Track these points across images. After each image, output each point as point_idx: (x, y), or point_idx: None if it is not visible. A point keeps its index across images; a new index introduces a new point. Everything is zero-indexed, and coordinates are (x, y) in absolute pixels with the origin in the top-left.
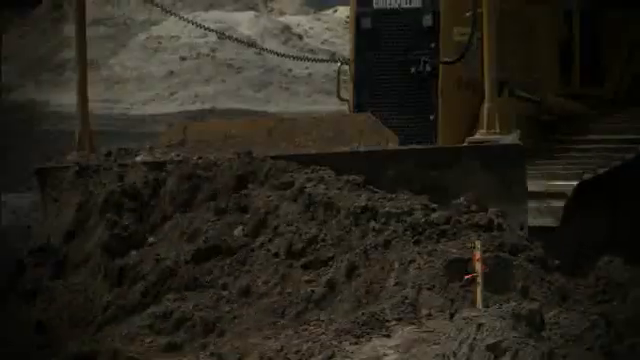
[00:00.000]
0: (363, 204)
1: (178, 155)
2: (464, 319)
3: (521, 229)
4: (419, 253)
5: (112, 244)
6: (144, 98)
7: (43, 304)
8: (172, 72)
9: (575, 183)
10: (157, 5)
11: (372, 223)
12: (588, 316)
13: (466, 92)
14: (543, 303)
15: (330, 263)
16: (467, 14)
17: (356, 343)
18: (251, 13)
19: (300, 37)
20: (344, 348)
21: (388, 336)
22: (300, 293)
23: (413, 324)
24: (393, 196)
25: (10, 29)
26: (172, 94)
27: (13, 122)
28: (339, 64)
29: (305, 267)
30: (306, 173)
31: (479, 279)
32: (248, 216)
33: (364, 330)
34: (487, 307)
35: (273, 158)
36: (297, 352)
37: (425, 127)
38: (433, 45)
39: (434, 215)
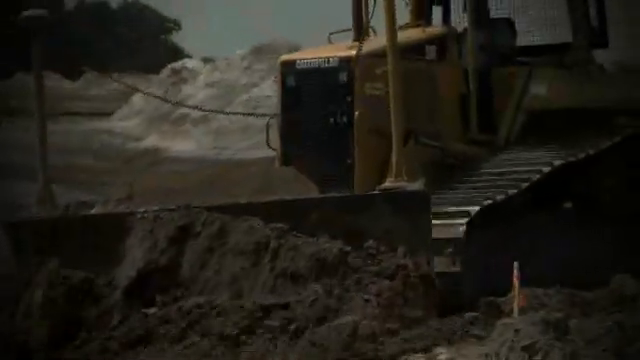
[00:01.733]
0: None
1: (127, 207)
2: (504, 325)
3: (427, 265)
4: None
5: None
6: (246, 145)
7: None
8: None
9: (477, 208)
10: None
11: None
12: (605, 323)
13: (378, 139)
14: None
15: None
16: (378, 71)
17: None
18: None
19: None
20: None
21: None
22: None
23: None
24: (315, 240)
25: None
26: None
27: (143, 165)
28: (268, 118)
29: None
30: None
31: (516, 293)
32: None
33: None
34: (522, 315)
35: (208, 209)
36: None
37: (343, 170)
38: (349, 99)
39: (349, 257)
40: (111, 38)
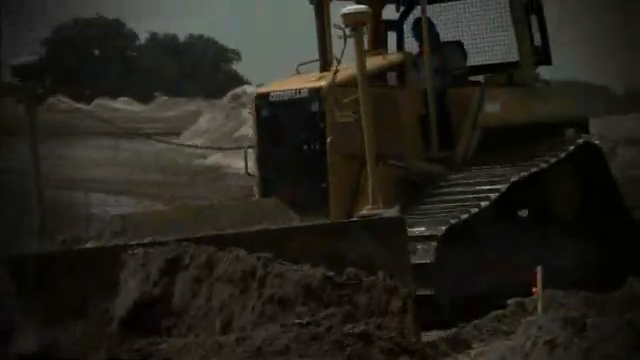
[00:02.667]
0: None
1: (120, 241)
2: (528, 322)
3: (407, 287)
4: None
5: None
6: None
7: None
8: None
9: (443, 228)
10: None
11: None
12: (618, 322)
13: (350, 164)
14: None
15: None
16: (345, 100)
17: None
18: None
19: None
20: None
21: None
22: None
23: None
24: (300, 267)
25: (204, 114)
26: None
27: (206, 180)
28: (246, 148)
29: None
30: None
31: (539, 293)
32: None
33: None
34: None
35: (196, 240)
36: None
37: (319, 193)
38: (321, 126)
39: (334, 281)
40: (179, 67)
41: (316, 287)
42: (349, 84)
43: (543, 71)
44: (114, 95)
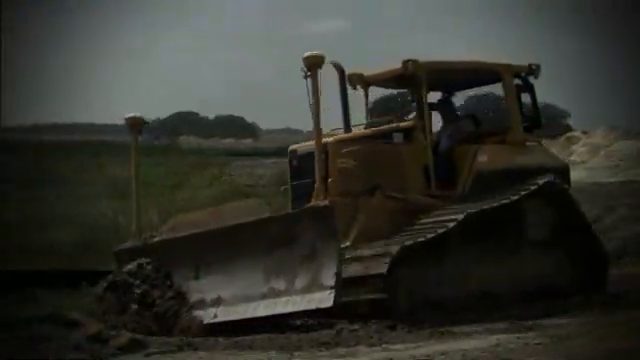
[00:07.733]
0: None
1: (172, 234)
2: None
3: (335, 253)
4: None
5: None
6: None
7: None
8: None
9: (397, 247)
10: None
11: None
12: None
13: (346, 197)
14: None
15: None
16: (343, 151)
17: None
18: None
19: None
20: None
21: None
22: None
23: None
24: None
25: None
26: None
27: None
28: (283, 187)
29: None
30: None
31: None
32: None
33: None
34: None
35: (207, 232)
36: None
37: None
38: (327, 170)
39: None
40: None
41: None
42: (352, 139)
43: None
44: None
